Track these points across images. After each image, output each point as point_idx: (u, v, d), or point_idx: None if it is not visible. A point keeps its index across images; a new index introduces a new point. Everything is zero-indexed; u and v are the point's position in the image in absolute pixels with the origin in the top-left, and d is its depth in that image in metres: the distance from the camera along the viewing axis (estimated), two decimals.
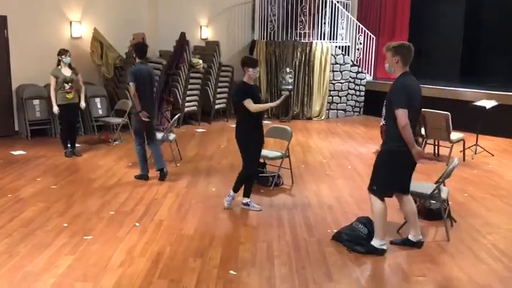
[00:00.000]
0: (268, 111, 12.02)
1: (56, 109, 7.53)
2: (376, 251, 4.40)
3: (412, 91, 4.31)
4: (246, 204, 5.56)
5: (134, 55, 6.61)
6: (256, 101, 5.28)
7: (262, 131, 5.48)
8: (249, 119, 5.26)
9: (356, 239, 4.54)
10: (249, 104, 5.15)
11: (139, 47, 6.66)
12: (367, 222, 4.65)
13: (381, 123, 4.62)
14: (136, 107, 6.35)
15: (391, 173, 4.34)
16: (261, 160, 6.51)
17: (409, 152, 4.22)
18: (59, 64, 7.55)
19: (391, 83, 4.57)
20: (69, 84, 7.51)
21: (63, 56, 7.50)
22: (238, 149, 5.45)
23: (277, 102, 5.45)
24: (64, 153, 7.75)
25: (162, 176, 6.54)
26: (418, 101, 4.36)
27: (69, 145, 7.79)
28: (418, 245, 4.57)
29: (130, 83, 6.34)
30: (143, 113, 6.33)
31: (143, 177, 6.58)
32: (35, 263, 4.10)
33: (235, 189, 5.52)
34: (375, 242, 4.42)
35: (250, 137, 5.35)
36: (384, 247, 4.41)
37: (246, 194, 5.57)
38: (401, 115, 4.17)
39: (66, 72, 7.53)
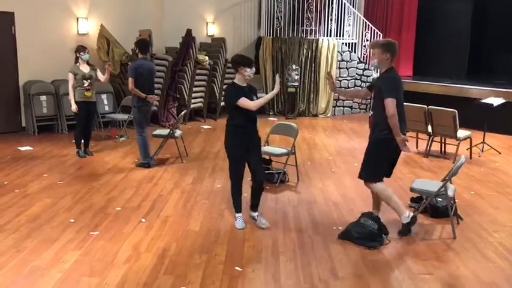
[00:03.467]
0: (274, 108, 12.00)
1: (74, 107, 7.29)
2: (409, 225, 4.68)
3: (399, 84, 4.72)
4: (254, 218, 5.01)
5: (137, 51, 7.06)
6: None
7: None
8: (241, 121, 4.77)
9: (369, 236, 4.52)
10: (247, 103, 4.63)
11: (142, 43, 7.07)
12: (375, 217, 4.65)
13: (369, 115, 4.78)
14: (140, 95, 6.74)
15: (379, 160, 4.69)
16: (267, 157, 6.53)
17: (394, 139, 4.54)
18: (76, 61, 7.40)
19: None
20: (88, 81, 7.32)
21: (81, 53, 7.35)
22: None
23: (274, 91, 4.84)
24: (77, 152, 7.54)
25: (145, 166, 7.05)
26: (402, 95, 4.70)
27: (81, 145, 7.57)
28: (413, 221, 4.76)
29: (130, 78, 6.72)
30: (150, 96, 6.83)
31: (144, 165, 6.96)
32: (42, 258, 4.13)
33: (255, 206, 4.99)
34: (404, 219, 4.67)
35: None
36: (411, 215, 4.70)
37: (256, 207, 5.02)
38: (391, 104, 4.49)
39: (85, 69, 7.37)
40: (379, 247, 4.47)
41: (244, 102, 4.63)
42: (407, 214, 4.70)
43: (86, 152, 7.60)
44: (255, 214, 4.97)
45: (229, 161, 4.91)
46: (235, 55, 5.03)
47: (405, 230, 4.72)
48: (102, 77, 7.54)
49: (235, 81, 4.78)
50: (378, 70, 4.98)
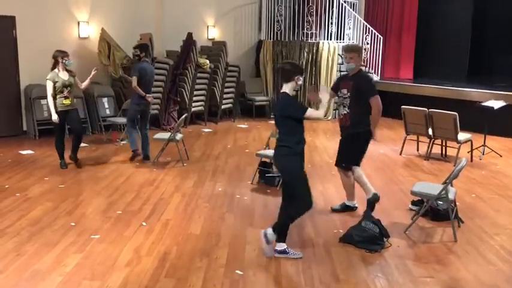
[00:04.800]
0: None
1: (55, 117, 6.73)
2: (374, 200, 5.29)
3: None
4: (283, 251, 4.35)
5: (139, 53, 7.44)
6: None
7: None
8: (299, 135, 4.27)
9: (370, 239, 4.53)
10: (315, 113, 4.23)
11: (145, 46, 7.70)
12: (376, 220, 4.65)
13: (343, 113, 5.24)
14: (140, 93, 7.25)
15: (358, 150, 5.30)
16: (267, 160, 6.54)
17: (370, 131, 5.16)
18: (54, 67, 6.79)
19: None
20: (68, 88, 6.81)
21: (65, 59, 6.80)
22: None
23: (326, 99, 4.48)
24: (60, 164, 7.05)
25: (146, 159, 7.47)
26: None
27: (68, 155, 7.17)
28: (354, 208, 5.51)
29: (134, 77, 7.19)
30: (148, 95, 7.35)
31: (136, 152, 7.44)
32: (43, 262, 4.13)
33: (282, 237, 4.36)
34: (372, 195, 5.30)
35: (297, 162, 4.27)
36: (376, 193, 5.34)
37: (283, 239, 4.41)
38: (379, 100, 5.12)
39: (64, 76, 6.79)
40: (380, 250, 4.47)
41: (313, 113, 4.21)
42: (374, 192, 5.35)
43: (72, 158, 7.14)
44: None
45: (297, 185, 4.20)
46: (285, 63, 4.60)
47: (371, 206, 5.26)
48: (80, 84, 7.09)
49: (287, 91, 4.20)
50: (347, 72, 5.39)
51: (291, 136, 4.18)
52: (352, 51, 5.18)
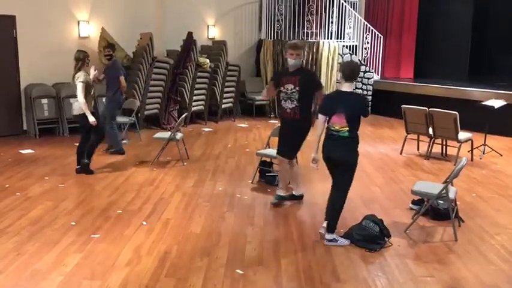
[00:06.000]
0: (275, 111, 11.99)
1: (93, 119, 6.49)
2: (299, 197, 5.79)
3: None
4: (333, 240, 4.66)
5: (112, 52, 7.98)
6: None
7: None
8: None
9: (370, 238, 4.54)
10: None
11: (115, 46, 8.44)
12: (377, 220, 4.66)
13: (291, 107, 5.42)
14: (124, 94, 8.09)
15: (303, 140, 5.59)
16: (268, 159, 6.54)
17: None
18: (80, 69, 6.59)
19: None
20: (94, 89, 6.88)
21: (89, 59, 6.73)
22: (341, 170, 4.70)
23: None
24: (85, 165, 6.75)
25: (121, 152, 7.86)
26: None
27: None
28: (300, 197, 5.84)
29: (122, 76, 7.82)
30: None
31: (120, 151, 7.83)
32: (43, 261, 4.13)
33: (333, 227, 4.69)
34: (298, 192, 5.84)
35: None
36: (302, 193, 5.87)
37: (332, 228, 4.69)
38: (324, 92, 5.59)
39: (88, 77, 6.72)
40: (379, 249, 4.47)
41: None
42: (301, 192, 5.86)
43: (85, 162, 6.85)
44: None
45: (352, 174, 4.69)
46: (353, 65, 4.84)
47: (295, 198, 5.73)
48: None
49: (352, 90, 4.66)
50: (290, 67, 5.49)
51: (356, 131, 4.60)
52: (300, 48, 5.43)
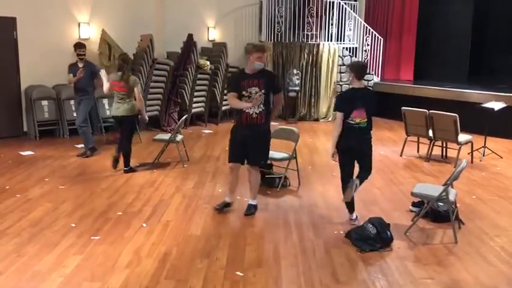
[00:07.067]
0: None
1: (146, 117, 7.19)
2: (254, 209, 5.45)
3: None
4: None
5: (84, 53, 7.86)
6: None
7: None
8: None
9: (364, 238, 4.59)
10: None
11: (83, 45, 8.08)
12: (377, 223, 4.67)
13: (258, 111, 5.15)
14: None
15: (269, 144, 5.48)
16: (268, 161, 6.53)
17: None
18: (125, 72, 6.69)
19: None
20: None
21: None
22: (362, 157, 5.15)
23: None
24: (128, 164, 6.92)
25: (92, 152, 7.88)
26: None
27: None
28: (229, 205, 5.57)
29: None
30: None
31: (94, 149, 7.89)
32: (43, 263, 4.13)
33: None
34: (254, 201, 5.50)
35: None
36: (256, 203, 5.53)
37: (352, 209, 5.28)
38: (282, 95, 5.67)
39: None
40: (367, 250, 4.49)
41: None
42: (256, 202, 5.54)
43: (117, 160, 6.99)
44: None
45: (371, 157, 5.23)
46: (362, 64, 5.51)
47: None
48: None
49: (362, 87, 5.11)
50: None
51: (372, 121, 5.06)
52: (263, 51, 5.25)
